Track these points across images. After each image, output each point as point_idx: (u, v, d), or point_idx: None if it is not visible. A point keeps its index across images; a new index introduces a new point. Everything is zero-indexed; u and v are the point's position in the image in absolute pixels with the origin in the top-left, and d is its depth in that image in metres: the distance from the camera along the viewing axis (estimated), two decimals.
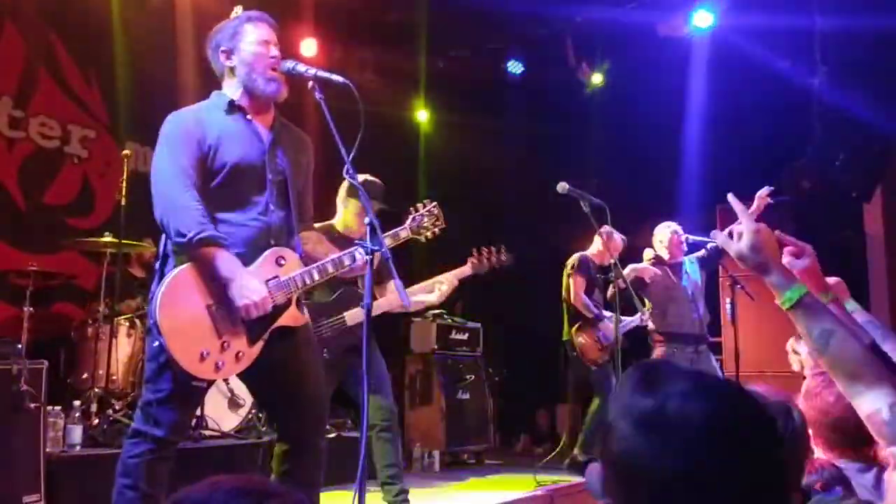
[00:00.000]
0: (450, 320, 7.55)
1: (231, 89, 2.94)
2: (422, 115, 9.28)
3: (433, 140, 9.39)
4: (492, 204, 9.20)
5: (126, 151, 5.53)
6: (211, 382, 2.88)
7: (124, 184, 5.35)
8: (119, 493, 2.68)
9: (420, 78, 8.69)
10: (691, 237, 6.33)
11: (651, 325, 6.13)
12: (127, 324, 5.48)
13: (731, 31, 7.21)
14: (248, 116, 2.89)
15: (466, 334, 7.66)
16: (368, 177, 4.46)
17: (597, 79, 8.54)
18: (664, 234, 6.24)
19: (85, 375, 5.30)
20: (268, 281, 2.75)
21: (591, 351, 6.36)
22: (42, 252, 5.90)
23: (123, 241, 5.34)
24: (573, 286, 6.29)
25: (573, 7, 7.57)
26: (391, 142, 8.16)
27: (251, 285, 2.66)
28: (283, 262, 2.81)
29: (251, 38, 2.90)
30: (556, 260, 6.53)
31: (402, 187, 8.99)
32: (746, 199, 7.51)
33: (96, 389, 5.09)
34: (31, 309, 4.99)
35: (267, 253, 2.79)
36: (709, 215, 7.69)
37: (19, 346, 4.54)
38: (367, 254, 2.59)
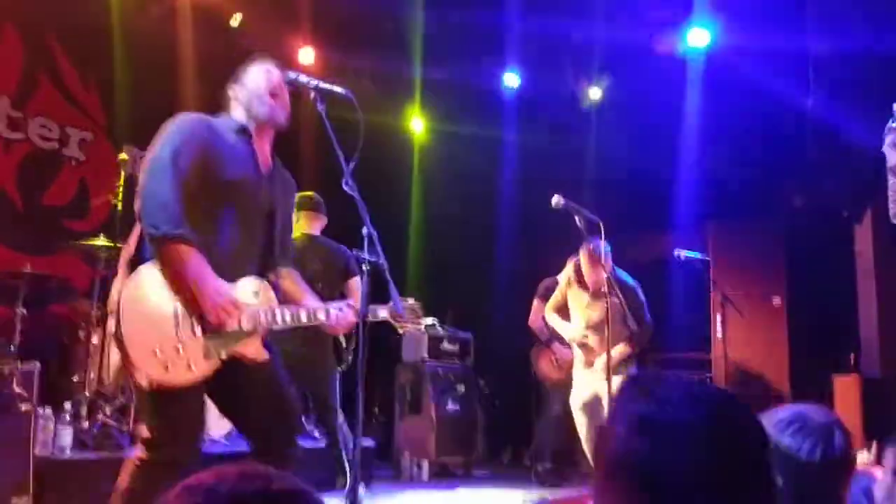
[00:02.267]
0: (441, 330, 7.57)
1: (238, 115, 2.99)
2: (417, 125, 9.31)
3: (428, 150, 9.42)
4: (486, 215, 9.23)
5: (122, 155, 5.54)
6: (189, 390, 2.70)
7: (120, 188, 5.36)
8: None
9: (416, 88, 8.73)
10: (684, 253, 6.38)
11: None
12: None
13: (727, 50, 7.27)
14: (253, 143, 2.93)
15: (457, 344, 7.68)
16: (309, 193, 4.80)
17: (595, 93, 8.58)
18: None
19: (76, 378, 5.29)
20: None
21: (547, 369, 6.80)
22: (38, 253, 5.91)
23: (118, 246, 5.34)
24: (533, 309, 6.44)
25: (571, 22, 7.62)
26: (386, 151, 8.20)
27: (221, 289, 2.63)
28: (258, 294, 2.82)
29: (257, 69, 3.01)
30: (548, 273, 6.56)
31: (395, 196, 9.07)
32: (736, 218, 7.60)
33: (87, 393, 5.08)
34: (24, 310, 4.99)
35: (246, 279, 2.80)
36: (702, 232, 7.74)
37: (12, 347, 4.55)
38: (361, 263, 2.61)
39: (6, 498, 3.74)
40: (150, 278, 2.62)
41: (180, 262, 2.57)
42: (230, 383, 2.77)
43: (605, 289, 5.06)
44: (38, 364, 4.12)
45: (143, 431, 2.70)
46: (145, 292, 2.61)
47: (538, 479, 6.75)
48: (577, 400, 5.44)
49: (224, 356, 2.72)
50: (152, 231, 2.56)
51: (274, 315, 2.82)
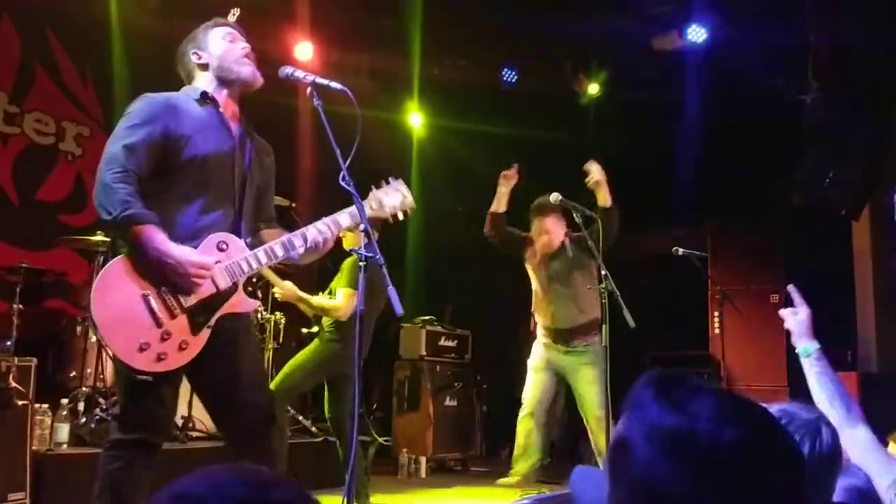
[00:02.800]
0: (439, 327, 7.57)
1: (203, 83, 2.95)
2: (416, 120, 9.29)
3: (427, 145, 9.40)
4: (484, 211, 9.20)
5: None
6: (168, 376, 2.68)
7: None
8: None
9: (414, 83, 8.70)
10: (681, 250, 6.37)
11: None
12: None
13: (725, 46, 7.26)
14: (220, 109, 2.89)
15: (455, 341, 7.68)
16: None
17: (593, 89, 8.57)
18: None
19: (73, 373, 5.27)
20: None
21: None
22: (34, 249, 5.89)
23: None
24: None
25: (570, 17, 7.60)
26: (384, 146, 8.17)
27: (183, 257, 2.59)
28: (224, 246, 2.75)
29: (218, 35, 2.99)
30: None
31: None
32: (734, 215, 7.59)
33: (84, 388, 5.07)
34: (21, 306, 4.98)
35: (207, 238, 2.74)
36: (700, 229, 7.73)
37: (9, 342, 4.54)
38: (360, 260, 2.60)
39: (3, 493, 3.73)
40: (115, 274, 2.59)
41: (138, 242, 2.56)
42: (213, 370, 2.75)
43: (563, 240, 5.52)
44: (34, 359, 4.11)
45: (117, 409, 2.72)
46: (113, 290, 2.58)
47: (537, 474, 6.73)
48: (534, 360, 5.50)
49: (213, 323, 2.70)
50: (105, 217, 2.57)
51: (249, 262, 2.78)
